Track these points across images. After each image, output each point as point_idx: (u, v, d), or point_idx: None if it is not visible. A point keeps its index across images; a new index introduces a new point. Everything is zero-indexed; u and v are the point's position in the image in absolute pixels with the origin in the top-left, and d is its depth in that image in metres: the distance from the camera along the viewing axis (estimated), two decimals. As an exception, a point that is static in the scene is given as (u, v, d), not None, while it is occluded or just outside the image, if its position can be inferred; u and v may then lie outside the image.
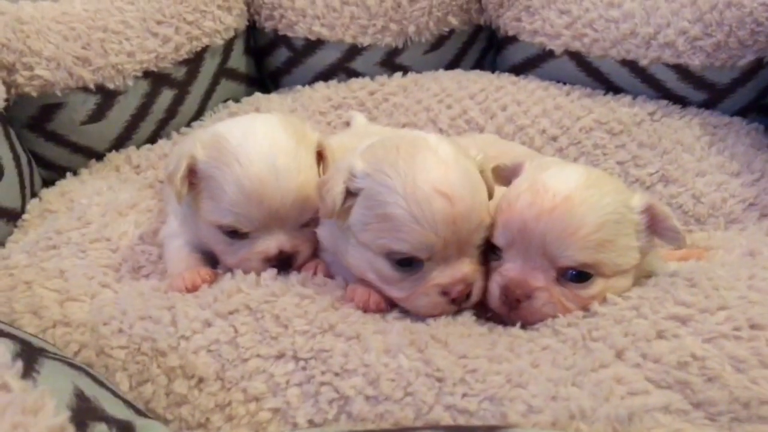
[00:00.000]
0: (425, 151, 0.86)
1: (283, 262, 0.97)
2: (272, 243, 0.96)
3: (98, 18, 1.40)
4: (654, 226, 0.89)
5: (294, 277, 0.94)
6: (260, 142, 0.94)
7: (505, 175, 0.95)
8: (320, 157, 1.03)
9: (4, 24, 1.30)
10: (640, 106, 1.43)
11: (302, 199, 0.95)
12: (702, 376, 0.73)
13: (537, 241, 0.84)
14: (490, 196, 0.94)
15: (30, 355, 0.67)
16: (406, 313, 0.90)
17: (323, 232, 0.99)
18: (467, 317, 0.88)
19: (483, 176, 0.92)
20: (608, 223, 0.85)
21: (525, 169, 0.93)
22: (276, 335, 0.83)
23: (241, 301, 0.88)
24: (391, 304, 0.91)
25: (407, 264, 0.86)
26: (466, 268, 0.87)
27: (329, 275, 0.98)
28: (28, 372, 0.62)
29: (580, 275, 0.86)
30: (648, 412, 0.71)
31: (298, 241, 0.98)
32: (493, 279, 0.88)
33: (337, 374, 0.78)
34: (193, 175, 0.96)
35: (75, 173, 1.41)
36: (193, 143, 0.96)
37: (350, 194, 0.88)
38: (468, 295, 0.88)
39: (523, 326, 0.85)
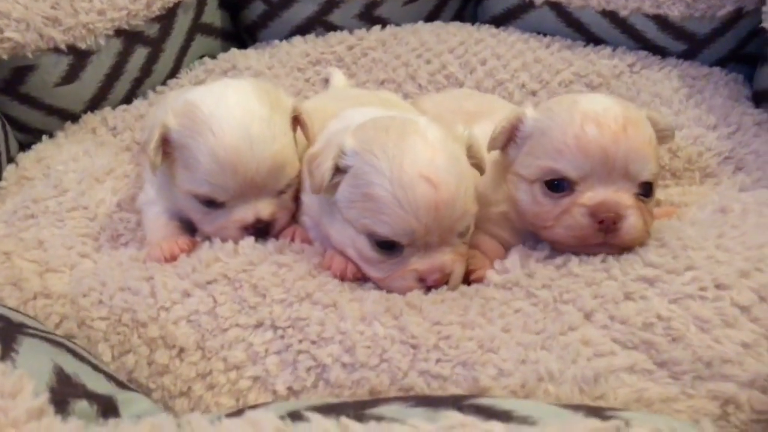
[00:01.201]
0: (414, 135, 0.86)
1: (261, 230, 0.97)
2: (249, 211, 0.96)
3: (66, -25, 1.36)
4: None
5: (271, 244, 0.95)
6: (233, 110, 0.93)
7: (503, 138, 0.95)
8: (296, 122, 1.02)
9: (-32, -15, 1.26)
10: (620, 57, 1.42)
11: (278, 167, 0.95)
12: (667, 336, 0.76)
13: (620, 161, 0.86)
14: (481, 169, 0.95)
15: (9, 334, 0.68)
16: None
17: (308, 200, 0.99)
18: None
19: (472, 151, 0.92)
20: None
21: (531, 117, 0.94)
22: (254, 305, 0.84)
23: (219, 270, 0.89)
24: None
25: (388, 247, 0.87)
26: (446, 256, 0.88)
27: (307, 240, 0.99)
28: (6, 353, 0.63)
29: (649, 188, 0.89)
30: (613, 372, 0.74)
31: (275, 208, 0.98)
32: (574, 212, 0.87)
33: (314, 342, 0.80)
34: (166, 144, 0.95)
35: (51, 136, 1.40)
36: (165, 112, 0.96)
37: (339, 171, 0.89)
38: (445, 283, 0.89)
39: (497, 289, 0.87)
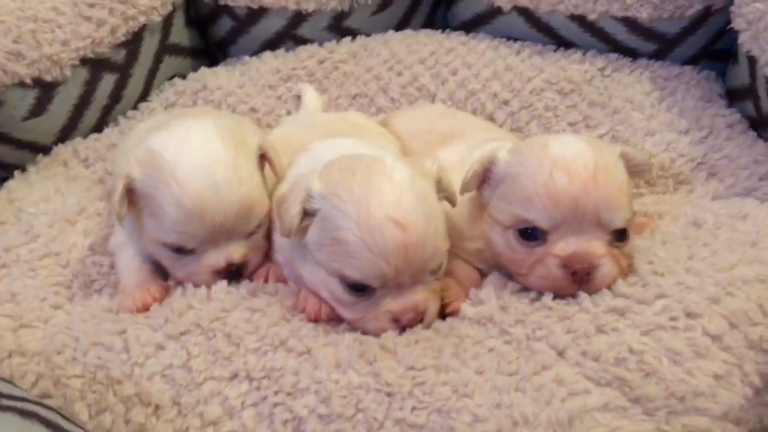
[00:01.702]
0: (381, 176, 0.86)
1: (234, 272, 0.97)
2: (220, 256, 0.95)
3: (27, 8, 1.34)
4: (628, 168, 0.93)
5: (244, 288, 0.95)
6: (197, 157, 0.92)
7: (475, 182, 0.95)
8: (263, 159, 1.01)
9: (-73, 24, 1.24)
10: (590, 61, 1.41)
11: (246, 210, 0.94)
12: (640, 371, 0.76)
13: (591, 210, 0.85)
14: (452, 202, 0.95)
15: (-21, 412, 0.68)
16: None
17: (280, 240, 0.99)
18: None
19: (441, 185, 0.92)
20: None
21: (504, 160, 0.93)
22: (228, 355, 0.84)
23: (192, 320, 0.88)
24: None
25: (360, 289, 0.87)
26: (419, 296, 0.88)
27: (282, 279, 0.99)
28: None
29: (622, 234, 0.89)
30: (588, 412, 0.74)
31: (246, 250, 0.97)
32: (548, 262, 0.87)
33: (289, 394, 0.80)
34: (132, 194, 0.94)
35: (23, 170, 1.38)
36: (128, 161, 0.94)
37: (307, 214, 0.88)
38: (421, 321, 0.89)
39: (471, 325, 0.87)
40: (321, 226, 0.87)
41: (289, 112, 1.51)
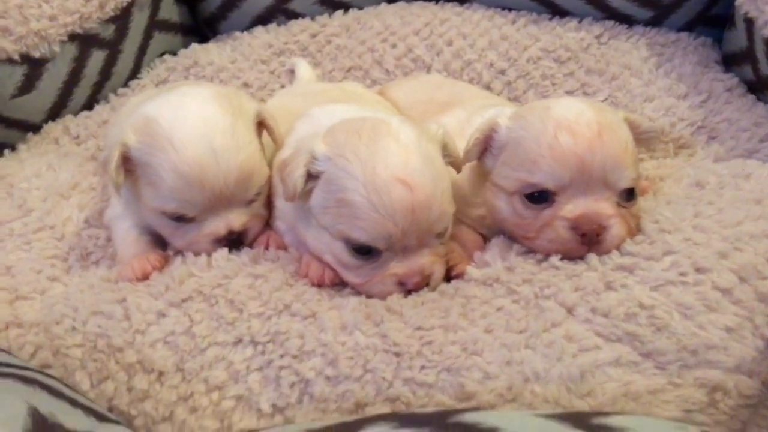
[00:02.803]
0: (387, 138, 0.84)
1: (234, 241, 0.95)
2: (220, 224, 0.93)
3: (13, -19, 1.31)
4: (635, 136, 0.91)
5: (246, 254, 0.93)
6: (194, 122, 0.90)
7: (477, 150, 0.93)
8: (261, 126, 0.99)
9: None
10: (587, 29, 1.40)
11: (246, 177, 0.92)
12: (650, 326, 0.75)
13: (598, 171, 0.84)
14: (457, 168, 0.93)
15: (-21, 378, 0.66)
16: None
17: (282, 206, 0.97)
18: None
19: (447, 150, 0.90)
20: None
21: (505, 126, 0.91)
22: (232, 320, 0.82)
23: (193, 287, 0.87)
24: None
25: (365, 252, 0.85)
26: (425, 259, 0.86)
27: (282, 246, 0.97)
28: (-23, 402, 0.61)
29: (630, 194, 0.87)
30: (599, 367, 0.73)
31: (246, 218, 0.95)
32: (556, 225, 0.85)
33: (295, 357, 0.78)
34: (128, 162, 0.92)
35: (13, 149, 1.36)
36: (123, 129, 0.92)
37: (311, 177, 0.87)
38: (427, 285, 0.88)
39: (478, 286, 0.86)
40: (326, 188, 0.85)
41: (282, 86, 1.49)
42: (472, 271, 0.88)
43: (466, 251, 0.94)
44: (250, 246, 0.96)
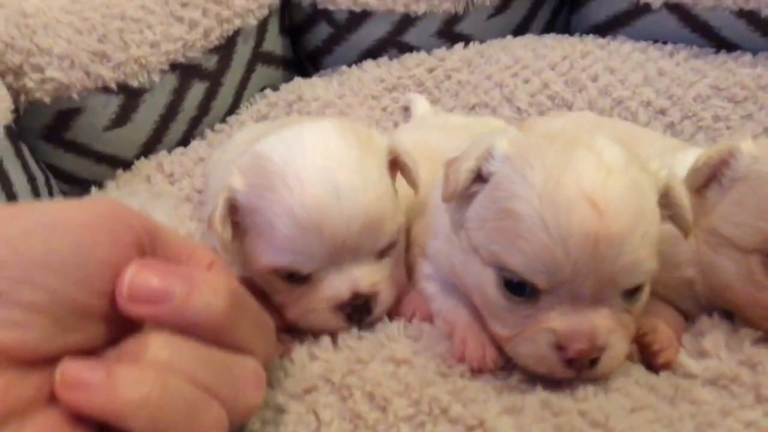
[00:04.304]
0: (586, 150, 0.63)
1: (360, 308, 0.75)
2: (343, 284, 0.73)
3: (114, 4, 1.19)
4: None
5: (381, 331, 0.73)
6: (312, 155, 0.72)
7: (703, 174, 0.72)
8: (395, 167, 0.81)
9: (5, 19, 1.10)
10: (764, 65, 1.18)
11: (375, 222, 0.72)
12: None
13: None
14: (686, 230, 0.69)
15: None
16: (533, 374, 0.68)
17: (437, 244, 0.78)
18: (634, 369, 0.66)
19: (670, 198, 0.67)
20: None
21: (750, 154, 0.69)
22: (373, 423, 0.62)
23: (318, 372, 0.67)
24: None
25: (519, 290, 0.64)
26: (600, 320, 0.63)
27: (429, 317, 0.77)
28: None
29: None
30: None
31: (376, 277, 0.75)
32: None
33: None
34: (235, 213, 0.75)
35: (101, 186, 1.23)
36: (229, 172, 0.75)
37: (480, 179, 0.67)
38: (593, 362, 0.63)
39: (704, 387, 0.63)
40: (491, 194, 0.65)
41: (396, 124, 1.33)
42: (688, 362, 0.66)
43: (673, 333, 0.72)
44: (389, 317, 0.77)
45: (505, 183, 0.64)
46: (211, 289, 0.51)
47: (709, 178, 0.71)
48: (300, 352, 0.71)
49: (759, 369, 0.63)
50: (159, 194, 1.18)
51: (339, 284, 0.73)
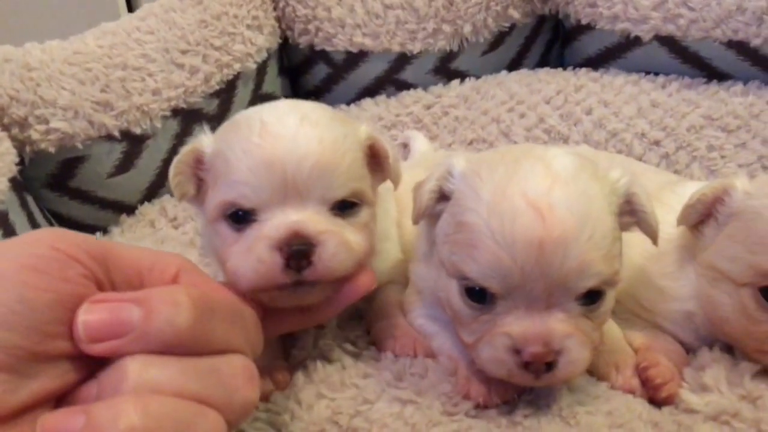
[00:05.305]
0: (535, 160, 0.66)
1: (299, 254, 0.67)
2: (283, 222, 0.68)
3: (115, 54, 1.22)
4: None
5: (385, 367, 0.74)
6: (284, 107, 0.74)
7: (697, 211, 0.73)
8: (374, 158, 0.78)
9: (10, 73, 1.13)
10: (755, 93, 1.20)
11: (327, 167, 0.70)
12: None
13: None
14: (653, 233, 0.70)
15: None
16: (541, 410, 0.69)
17: (418, 267, 0.81)
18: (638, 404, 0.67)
19: (632, 204, 0.68)
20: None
21: (743, 190, 0.71)
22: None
23: (326, 415, 0.68)
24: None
25: (478, 297, 0.66)
26: (555, 324, 0.63)
27: (431, 353, 0.78)
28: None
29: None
30: None
31: (321, 226, 0.69)
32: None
33: None
34: (199, 166, 0.77)
35: (105, 232, 1.24)
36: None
37: (444, 198, 0.72)
38: (550, 367, 0.64)
39: (706, 422, 0.64)
40: (451, 210, 0.70)
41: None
42: (690, 397, 0.67)
43: (674, 366, 0.72)
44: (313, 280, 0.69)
45: (461, 198, 0.68)
46: (170, 306, 0.48)
47: (705, 215, 0.72)
48: (307, 391, 0.72)
49: (759, 404, 0.63)
50: (163, 240, 1.19)
51: (279, 223, 0.69)
